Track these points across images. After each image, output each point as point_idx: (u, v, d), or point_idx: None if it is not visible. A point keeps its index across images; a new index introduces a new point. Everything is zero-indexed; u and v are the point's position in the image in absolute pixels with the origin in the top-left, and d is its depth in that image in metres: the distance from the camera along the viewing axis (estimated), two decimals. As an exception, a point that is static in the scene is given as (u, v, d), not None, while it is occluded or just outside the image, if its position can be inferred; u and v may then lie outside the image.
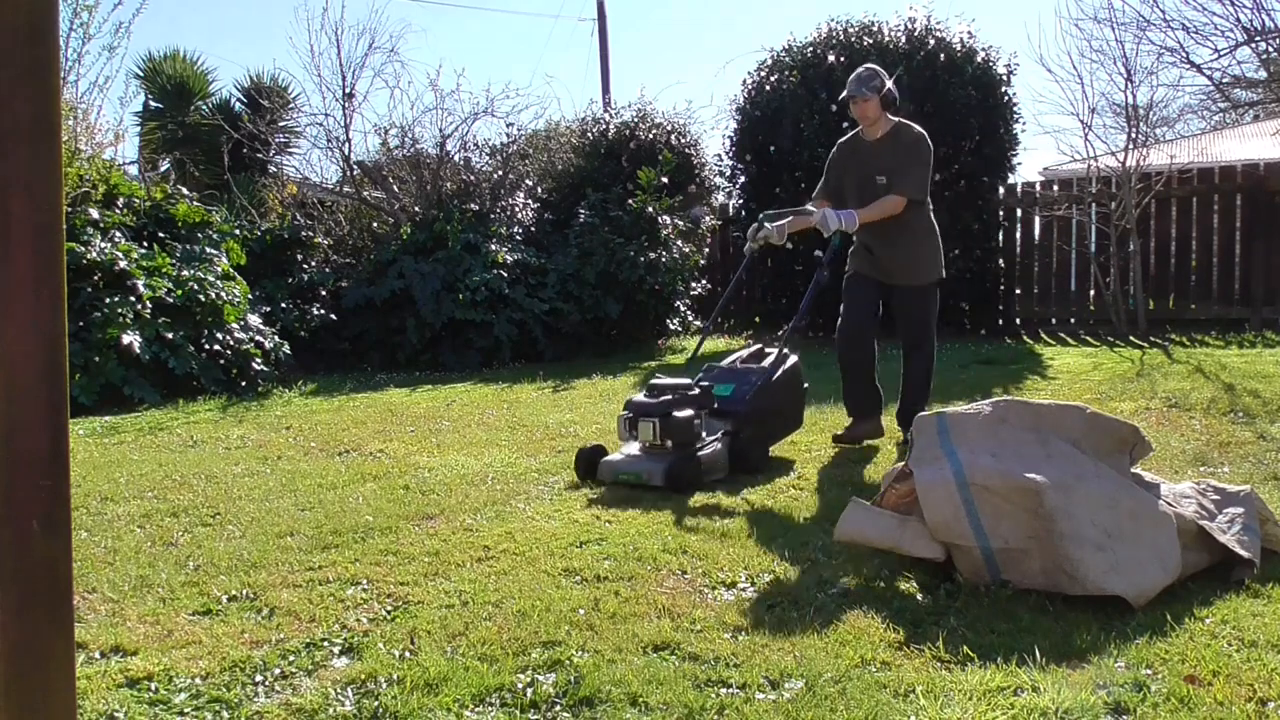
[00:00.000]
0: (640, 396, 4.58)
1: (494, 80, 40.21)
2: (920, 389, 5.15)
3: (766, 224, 5.09)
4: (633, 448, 4.51)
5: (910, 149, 4.97)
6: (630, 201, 9.85)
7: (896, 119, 5.08)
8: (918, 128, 5.06)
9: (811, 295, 5.01)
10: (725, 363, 5.03)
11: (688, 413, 4.41)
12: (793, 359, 5.00)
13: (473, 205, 10.39)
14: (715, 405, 4.63)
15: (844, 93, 5.04)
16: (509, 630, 2.68)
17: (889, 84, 4.96)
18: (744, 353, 5.12)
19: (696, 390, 4.59)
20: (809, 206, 5.19)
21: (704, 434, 4.49)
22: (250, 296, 8.46)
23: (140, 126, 14.07)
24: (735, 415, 4.62)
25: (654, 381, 4.66)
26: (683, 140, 11.72)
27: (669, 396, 4.48)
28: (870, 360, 5.10)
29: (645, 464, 4.34)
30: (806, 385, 5.14)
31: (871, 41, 10.18)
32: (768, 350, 5.05)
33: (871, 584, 3.04)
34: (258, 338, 8.17)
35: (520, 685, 2.36)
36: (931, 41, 10.16)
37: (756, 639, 2.60)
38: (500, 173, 11.09)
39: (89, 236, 7.59)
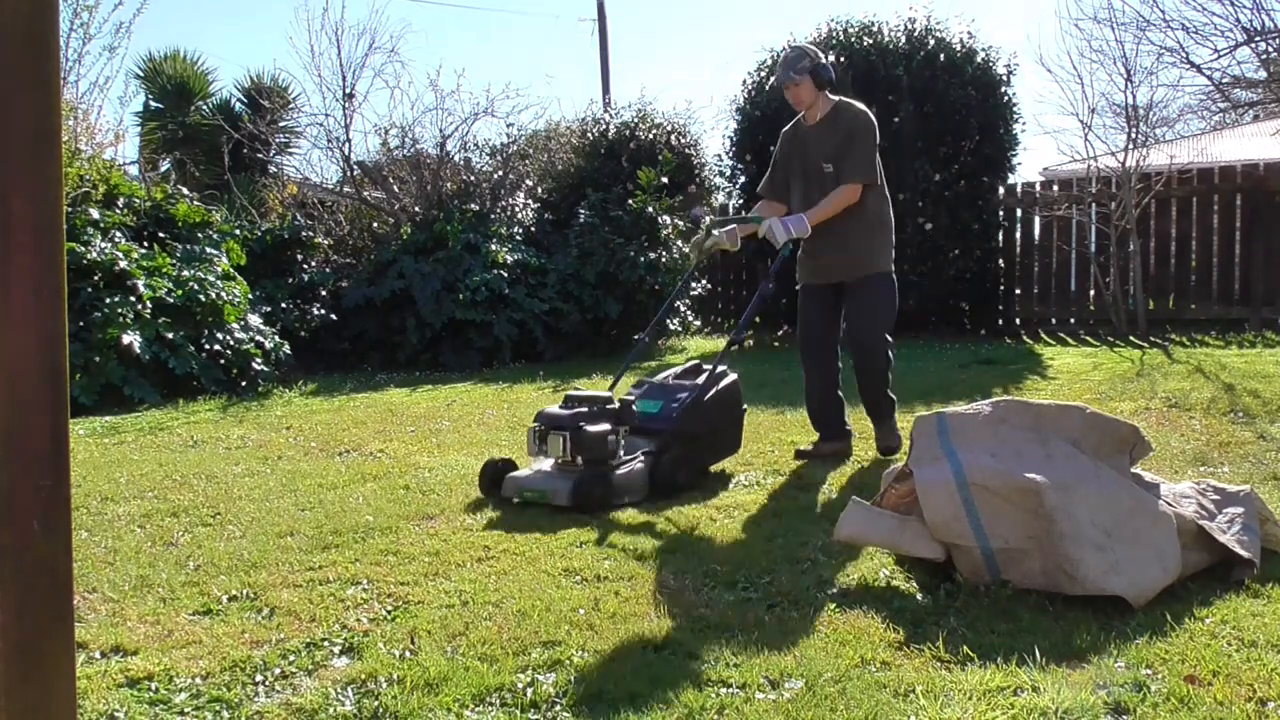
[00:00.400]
0: (554, 408, 4.27)
1: (494, 80, 40.23)
2: (879, 393, 4.73)
3: (714, 231, 4.76)
4: (545, 463, 4.20)
5: (850, 128, 4.63)
6: (630, 201, 9.85)
7: (836, 98, 4.73)
8: (859, 104, 4.74)
9: (755, 307, 4.68)
10: (659, 378, 4.71)
11: (601, 427, 4.07)
12: (730, 378, 4.60)
13: (473, 205, 10.40)
14: (637, 422, 4.28)
15: (772, 79, 4.70)
16: (509, 630, 2.68)
17: (821, 60, 4.65)
18: (679, 368, 4.77)
19: (615, 404, 4.24)
20: (756, 213, 4.84)
21: (621, 452, 4.15)
22: (250, 296, 8.47)
23: (140, 126, 14.13)
24: (660, 434, 4.26)
25: (571, 392, 4.36)
26: (683, 140, 11.73)
27: (583, 409, 4.16)
28: (833, 374, 4.82)
29: (552, 481, 4.02)
30: (745, 407, 4.73)
31: (871, 41, 10.18)
32: (705, 366, 4.67)
33: (871, 584, 3.04)
34: (258, 338, 8.17)
35: (520, 685, 2.36)
36: (931, 41, 10.17)
37: (756, 639, 2.60)
38: (500, 173, 11.10)
39: (89, 236, 7.59)
